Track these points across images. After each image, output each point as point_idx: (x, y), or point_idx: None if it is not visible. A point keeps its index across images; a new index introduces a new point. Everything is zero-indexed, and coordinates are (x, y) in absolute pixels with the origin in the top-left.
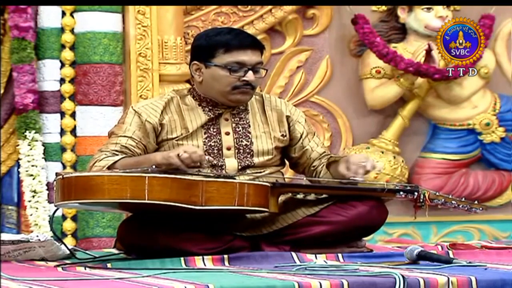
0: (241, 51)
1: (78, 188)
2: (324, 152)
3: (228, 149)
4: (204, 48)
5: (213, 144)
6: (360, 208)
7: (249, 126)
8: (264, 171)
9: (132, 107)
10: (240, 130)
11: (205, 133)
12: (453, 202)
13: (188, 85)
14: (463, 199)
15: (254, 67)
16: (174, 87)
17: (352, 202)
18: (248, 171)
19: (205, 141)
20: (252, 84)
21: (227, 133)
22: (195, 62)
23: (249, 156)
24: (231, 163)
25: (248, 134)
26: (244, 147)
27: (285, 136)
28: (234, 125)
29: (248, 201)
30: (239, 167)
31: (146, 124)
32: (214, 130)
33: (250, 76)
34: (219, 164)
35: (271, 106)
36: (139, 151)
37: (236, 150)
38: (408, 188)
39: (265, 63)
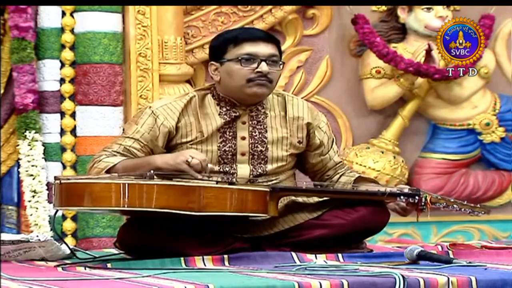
0: (252, 43)
1: (75, 195)
2: (340, 162)
3: (243, 154)
4: (216, 47)
5: (227, 149)
6: (361, 211)
7: (266, 131)
8: (277, 179)
9: (150, 107)
10: (256, 135)
11: (220, 137)
12: (455, 206)
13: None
14: (465, 202)
15: (268, 59)
16: (174, 87)
17: (353, 206)
18: (259, 180)
19: (219, 146)
20: (268, 76)
21: (243, 138)
22: (212, 62)
23: (263, 162)
24: (243, 171)
25: (264, 140)
26: (259, 153)
27: (302, 142)
28: (251, 129)
29: (246, 207)
30: (251, 175)
31: (161, 128)
32: (230, 134)
33: (263, 66)
34: (231, 172)
35: (293, 109)
36: (142, 155)
37: (251, 156)
38: (410, 192)
39: None
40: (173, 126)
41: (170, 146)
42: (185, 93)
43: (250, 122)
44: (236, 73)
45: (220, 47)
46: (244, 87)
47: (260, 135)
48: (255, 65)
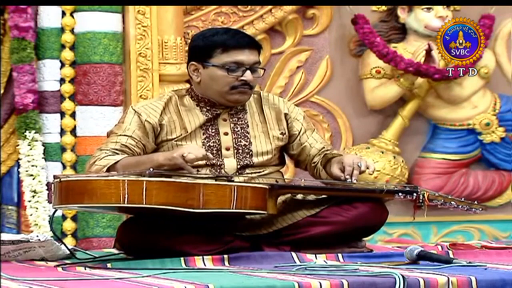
0: (239, 50)
1: (75, 192)
2: (323, 147)
3: (227, 149)
4: (201, 49)
5: (212, 144)
6: (360, 208)
7: (248, 126)
8: (263, 171)
9: (131, 107)
10: (238, 130)
11: (203, 134)
12: (452, 202)
13: (187, 85)
14: (462, 199)
15: (252, 67)
16: (174, 87)
17: (352, 203)
18: (247, 170)
19: (204, 141)
20: (250, 84)
21: (226, 133)
22: (192, 62)
23: (248, 156)
24: (230, 163)
25: (247, 134)
26: (243, 147)
27: (285, 134)
28: (232, 125)
29: (245, 204)
30: (238, 166)
31: (146, 124)
32: (213, 130)
33: (248, 75)
34: (218, 164)
35: (269, 104)
36: (139, 151)
37: (235, 150)
38: (407, 189)
39: (265, 63)
40: (156, 123)
41: (156, 143)
42: (163, 94)
43: (231, 119)
44: (221, 79)
45: (206, 50)
46: (227, 94)
47: (242, 130)
48: (239, 73)
